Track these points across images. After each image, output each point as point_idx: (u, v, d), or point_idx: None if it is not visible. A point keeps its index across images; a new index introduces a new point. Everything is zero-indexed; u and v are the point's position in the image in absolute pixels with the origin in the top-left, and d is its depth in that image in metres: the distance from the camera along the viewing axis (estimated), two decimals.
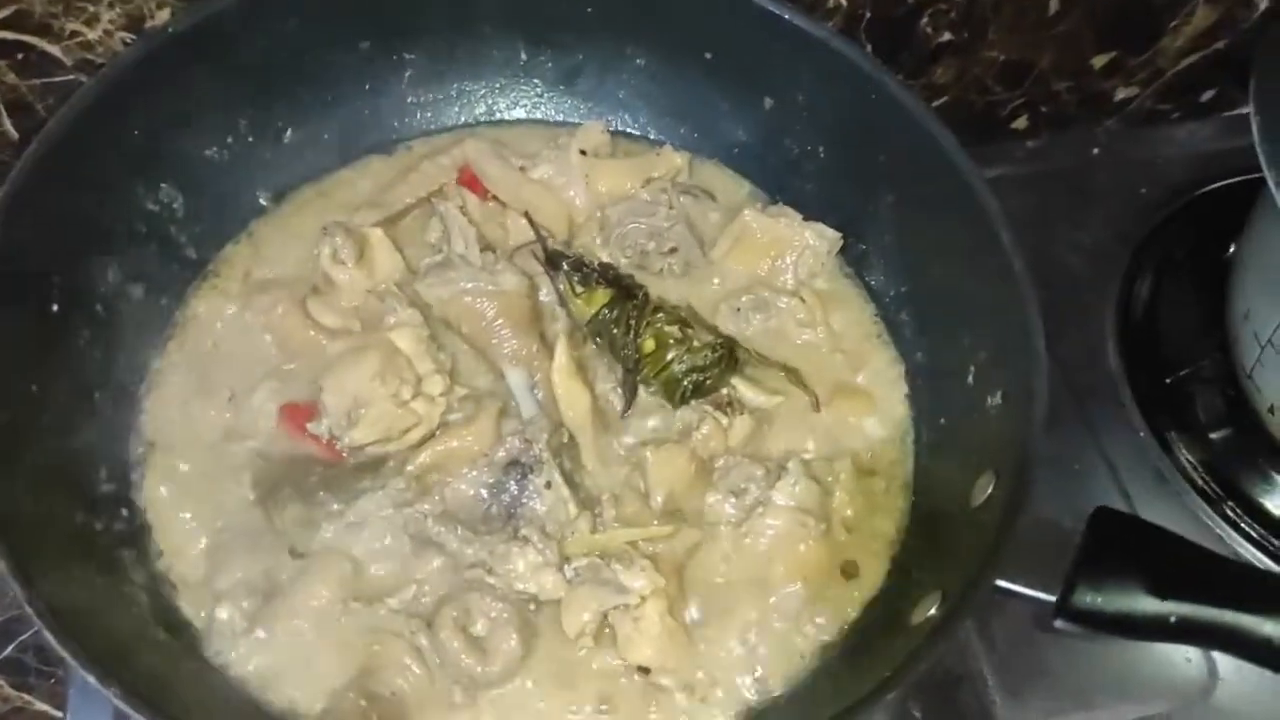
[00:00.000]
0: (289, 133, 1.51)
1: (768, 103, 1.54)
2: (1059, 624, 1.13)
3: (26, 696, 1.50)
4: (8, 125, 1.47)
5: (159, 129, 1.37)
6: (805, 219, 1.50)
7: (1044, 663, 1.42)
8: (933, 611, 1.17)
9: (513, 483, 1.28)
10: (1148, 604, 1.10)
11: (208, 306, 1.43)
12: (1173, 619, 1.10)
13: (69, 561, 1.17)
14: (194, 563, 1.27)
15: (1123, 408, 1.62)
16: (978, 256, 1.32)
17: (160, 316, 1.41)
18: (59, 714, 1.42)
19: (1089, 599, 1.10)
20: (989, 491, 1.23)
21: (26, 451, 1.19)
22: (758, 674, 1.26)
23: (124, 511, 1.30)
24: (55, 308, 1.27)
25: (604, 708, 1.23)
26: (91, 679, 1.01)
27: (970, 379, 1.35)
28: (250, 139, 1.48)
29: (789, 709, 1.24)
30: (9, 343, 1.21)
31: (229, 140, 1.46)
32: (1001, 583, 1.13)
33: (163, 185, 1.40)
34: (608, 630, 1.24)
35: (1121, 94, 1.92)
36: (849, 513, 1.34)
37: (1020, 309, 1.25)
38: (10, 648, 1.48)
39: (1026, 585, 1.13)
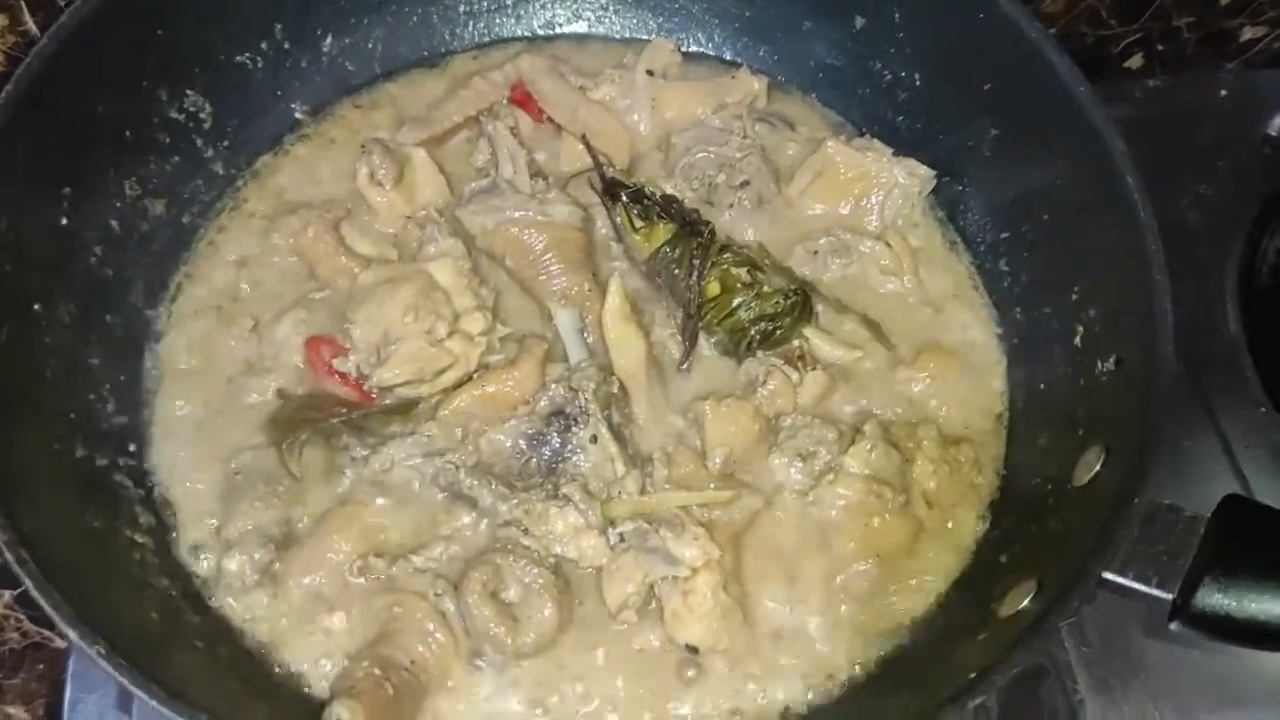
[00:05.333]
0: (329, 40, 1.43)
1: (858, 21, 1.43)
2: (1175, 627, 1.00)
3: (46, 632, 1.46)
4: (29, 21, 1.37)
5: (187, 29, 1.28)
6: (895, 154, 1.39)
7: (1140, 660, 1.30)
8: (1025, 604, 1.05)
9: (555, 435, 1.20)
10: None
11: (234, 226, 1.36)
12: None
13: (64, 499, 1.10)
14: (204, 507, 1.20)
15: (1242, 379, 1.48)
16: (1095, 202, 1.20)
17: (182, 235, 1.34)
18: None
19: (1215, 600, 0.97)
20: (1096, 469, 1.11)
21: (24, 375, 1.12)
22: (819, 661, 1.15)
23: (131, 447, 1.22)
24: (64, 221, 1.19)
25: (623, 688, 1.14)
26: (74, 635, 0.93)
27: (1078, 340, 1.24)
28: (287, 45, 1.39)
29: (852, 704, 1.13)
30: (11, 257, 1.12)
31: (263, 45, 1.38)
32: (1109, 575, 1.00)
33: (189, 92, 1.32)
34: (653, 604, 1.15)
35: (1247, 34, 1.80)
36: (931, 485, 1.23)
37: (1143, 264, 1.13)
38: None
39: (1138, 580, 1.00)
